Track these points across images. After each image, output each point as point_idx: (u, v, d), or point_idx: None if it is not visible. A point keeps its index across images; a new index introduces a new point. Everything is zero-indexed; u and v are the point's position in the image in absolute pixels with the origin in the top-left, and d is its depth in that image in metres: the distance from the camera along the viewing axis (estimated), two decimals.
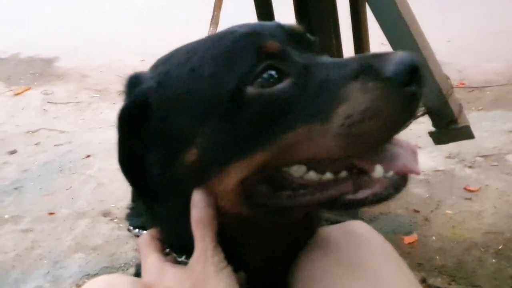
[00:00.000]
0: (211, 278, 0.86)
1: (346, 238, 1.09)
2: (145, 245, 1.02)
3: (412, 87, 0.77)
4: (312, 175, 0.85)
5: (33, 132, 4.93)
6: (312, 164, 0.84)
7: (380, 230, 2.56)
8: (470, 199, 2.69)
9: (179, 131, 0.89)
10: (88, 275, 2.75)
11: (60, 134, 4.78)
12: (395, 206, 2.72)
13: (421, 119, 2.45)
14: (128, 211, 1.17)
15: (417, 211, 2.65)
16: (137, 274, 2.64)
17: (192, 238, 0.90)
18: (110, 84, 5.94)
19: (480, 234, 2.44)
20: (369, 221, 2.60)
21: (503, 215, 2.54)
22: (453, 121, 2.17)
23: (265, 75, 0.83)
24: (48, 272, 2.84)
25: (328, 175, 0.84)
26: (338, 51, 2.11)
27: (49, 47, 7.52)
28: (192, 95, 0.87)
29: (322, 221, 1.21)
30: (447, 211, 2.62)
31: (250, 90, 0.82)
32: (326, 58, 0.88)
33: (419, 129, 2.93)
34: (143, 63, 6.41)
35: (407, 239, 2.44)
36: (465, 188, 2.77)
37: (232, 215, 0.90)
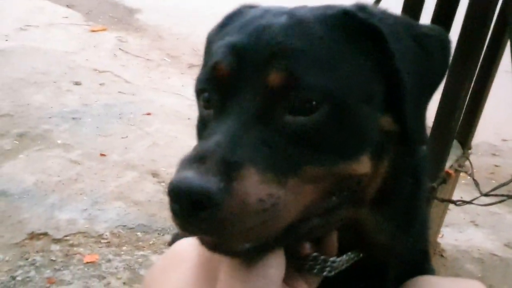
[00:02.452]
0: None
1: None
2: None
3: (173, 204, 0.70)
4: None
5: (100, 71, 4.96)
6: None
7: None
8: None
9: None
10: (124, 226, 2.72)
11: (125, 83, 4.79)
12: (445, 274, 2.62)
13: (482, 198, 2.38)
14: None
15: None
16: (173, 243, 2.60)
17: None
18: (183, 54, 5.95)
19: None
20: None
21: None
22: None
23: (205, 96, 0.85)
24: (86, 209, 2.82)
25: None
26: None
27: None
28: None
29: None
30: None
31: (199, 103, 0.89)
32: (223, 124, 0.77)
33: (478, 207, 2.83)
34: None
35: None
36: None
37: None
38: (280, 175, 0.73)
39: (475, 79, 2.34)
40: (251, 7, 0.96)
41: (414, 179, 0.93)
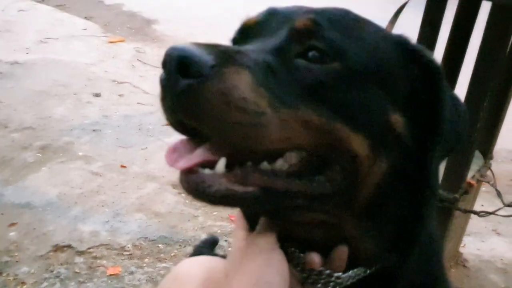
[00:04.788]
0: (253, 254, 0.88)
1: None
2: (236, 221, 1.05)
3: (162, 74, 0.74)
4: None
5: (119, 82, 5.02)
6: None
7: None
8: None
9: None
10: (146, 238, 2.75)
11: (144, 94, 4.84)
12: (469, 285, 2.60)
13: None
14: None
15: None
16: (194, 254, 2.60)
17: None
18: None
19: None
20: None
21: None
22: None
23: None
24: (108, 221, 2.86)
25: None
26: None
27: (153, 8, 7.65)
28: None
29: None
30: None
31: None
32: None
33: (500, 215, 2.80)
34: None
35: None
36: None
37: None
38: (275, 99, 0.76)
39: (496, 91, 2.33)
40: None
41: (414, 206, 0.93)
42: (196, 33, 6.87)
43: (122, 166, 3.39)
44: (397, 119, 0.87)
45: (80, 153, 3.50)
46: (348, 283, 0.93)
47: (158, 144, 3.77)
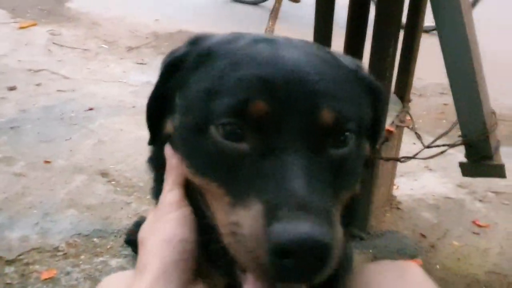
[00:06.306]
0: (164, 214, 0.91)
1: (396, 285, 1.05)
2: None
3: (283, 260, 0.70)
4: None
5: (35, 71, 4.76)
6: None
7: (385, 248, 2.51)
8: (478, 234, 2.65)
9: (172, 98, 0.96)
10: (79, 234, 2.65)
11: (63, 79, 4.62)
12: (403, 226, 2.68)
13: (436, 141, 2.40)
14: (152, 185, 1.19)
15: (423, 236, 2.61)
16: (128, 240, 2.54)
17: None
18: (121, 38, 5.76)
19: (483, 272, 2.41)
20: (376, 236, 2.56)
21: (508, 257, 2.51)
22: (489, 157, 2.12)
23: (228, 127, 0.82)
24: (37, 223, 2.73)
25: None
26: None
27: None
28: (192, 82, 0.92)
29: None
30: (454, 242, 2.59)
31: (212, 129, 0.83)
32: (293, 164, 0.78)
33: (431, 152, 2.87)
34: (157, 22, 6.24)
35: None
36: (473, 222, 2.74)
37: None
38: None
39: (404, 36, 2.33)
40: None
41: None
42: (112, 6, 6.58)
43: (46, 162, 3.23)
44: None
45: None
46: None
47: (83, 132, 3.61)
